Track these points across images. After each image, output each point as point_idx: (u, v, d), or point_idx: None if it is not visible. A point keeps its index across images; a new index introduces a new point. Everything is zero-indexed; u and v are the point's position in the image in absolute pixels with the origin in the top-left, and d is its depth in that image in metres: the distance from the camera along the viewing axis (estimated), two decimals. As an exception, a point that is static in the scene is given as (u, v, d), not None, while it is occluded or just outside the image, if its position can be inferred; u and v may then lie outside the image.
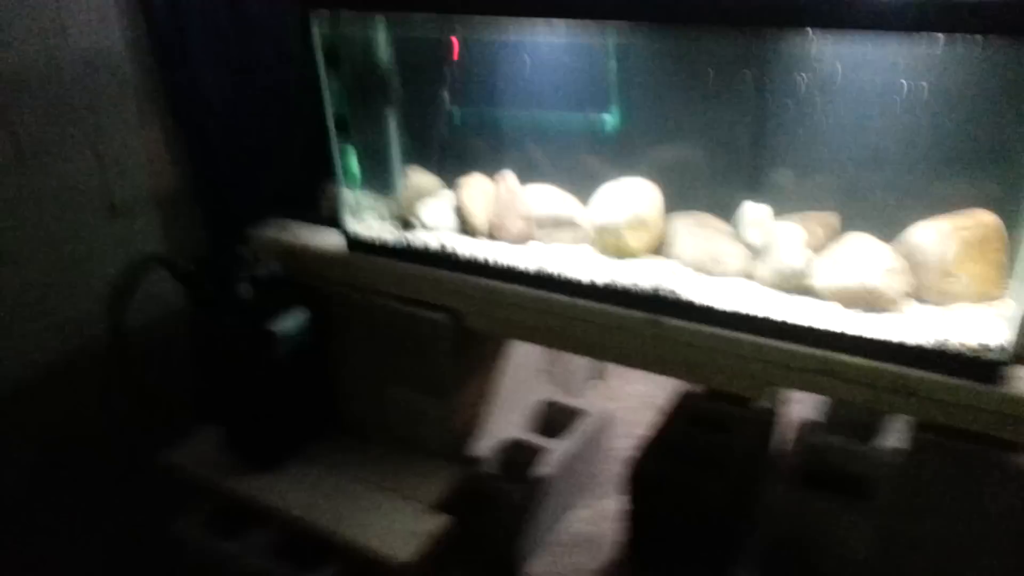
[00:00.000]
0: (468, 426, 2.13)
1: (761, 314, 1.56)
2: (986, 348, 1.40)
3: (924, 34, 1.35)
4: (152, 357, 2.32)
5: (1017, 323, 1.37)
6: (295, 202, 2.28)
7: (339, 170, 1.98)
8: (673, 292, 1.65)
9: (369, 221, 2.05)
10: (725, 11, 1.41)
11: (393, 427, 2.12)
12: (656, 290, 1.66)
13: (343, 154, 1.97)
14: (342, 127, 1.94)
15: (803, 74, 1.57)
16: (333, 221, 2.08)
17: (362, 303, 2.01)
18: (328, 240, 2.07)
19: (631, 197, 1.77)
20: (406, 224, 1.98)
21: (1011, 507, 1.42)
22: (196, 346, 2.22)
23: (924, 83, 1.47)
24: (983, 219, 1.52)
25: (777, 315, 1.55)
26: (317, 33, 1.83)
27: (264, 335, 1.92)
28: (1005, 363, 1.38)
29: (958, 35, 1.30)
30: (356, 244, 2.01)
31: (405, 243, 1.93)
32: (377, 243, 1.97)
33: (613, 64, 1.80)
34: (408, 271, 1.92)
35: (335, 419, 2.20)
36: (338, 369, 2.15)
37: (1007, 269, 1.53)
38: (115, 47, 2.12)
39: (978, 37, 1.32)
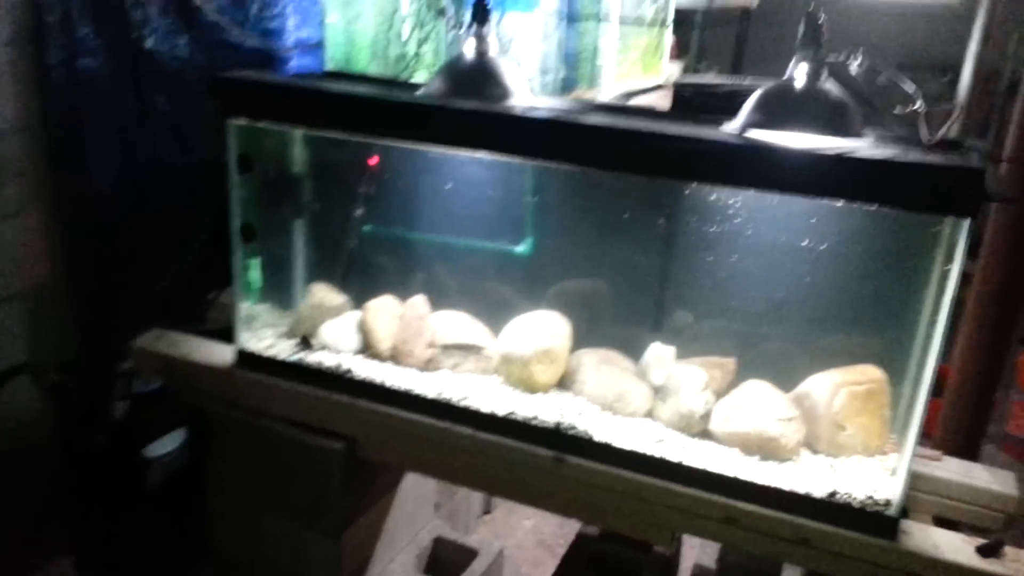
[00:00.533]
0: (357, 566, 1.98)
1: (664, 457, 1.57)
2: (874, 502, 1.45)
3: (822, 202, 1.47)
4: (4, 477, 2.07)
5: (902, 477, 1.43)
6: (182, 311, 2.16)
7: (238, 280, 1.89)
8: (576, 429, 1.64)
9: (264, 336, 1.96)
10: (636, 160, 1.48)
11: (273, 566, 1.95)
12: (560, 426, 1.65)
13: (245, 264, 1.90)
14: (247, 235, 1.87)
15: (712, 225, 1.66)
16: (222, 334, 1.97)
17: (247, 425, 1.88)
18: (216, 354, 1.95)
19: (541, 330, 1.77)
20: (304, 342, 1.90)
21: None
22: (59, 468, 2.00)
23: (822, 243, 1.58)
24: (871, 374, 1.61)
25: (679, 459, 1.56)
26: (233, 139, 1.80)
27: (138, 461, 1.75)
28: (894, 517, 1.43)
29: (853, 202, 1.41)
30: (247, 360, 1.90)
31: (300, 363, 1.85)
32: (270, 361, 1.87)
33: (531, 196, 1.85)
34: (301, 392, 1.82)
35: (209, 554, 2.01)
36: (216, 498, 1.98)
37: (891, 423, 1.62)
38: (2, 126, 2.00)
39: (867, 208, 1.45)
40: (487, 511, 2.78)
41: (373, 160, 1.90)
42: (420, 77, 2.07)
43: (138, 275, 2.20)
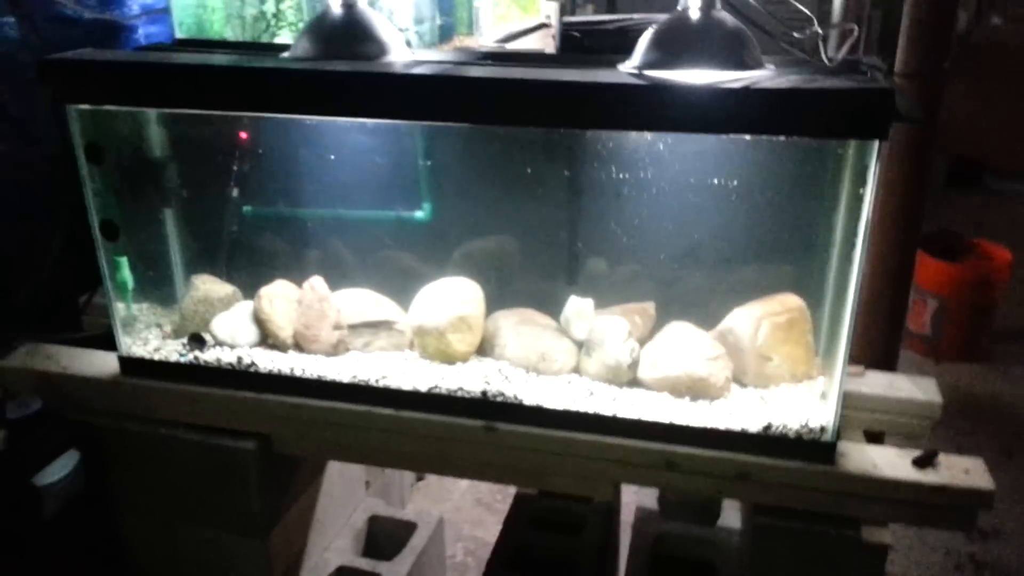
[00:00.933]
0: (288, 562, 1.88)
1: (595, 411, 1.53)
2: (809, 429, 1.45)
3: (727, 137, 1.42)
4: None
5: (833, 401, 1.43)
6: (51, 320, 1.95)
7: (108, 281, 1.71)
8: (504, 394, 1.57)
9: (149, 339, 1.79)
10: (534, 112, 1.38)
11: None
12: (487, 394, 1.57)
13: (113, 262, 1.71)
14: (110, 232, 1.68)
15: (617, 171, 1.59)
16: (101, 340, 1.79)
17: (146, 436, 1.73)
18: (97, 364, 1.77)
19: (452, 297, 1.68)
20: (196, 340, 1.74)
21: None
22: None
23: (730, 178, 1.53)
24: (790, 302, 1.60)
25: (611, 411, 1.53)
26: (77, 127, 1.59)
27: (27, 493, 1.58)
28: (830, 442, 1.43)
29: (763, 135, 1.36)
30: (132, 367, 1.73)
31: (195, 362, 1.70)
32: (159, 364, 1.72)
33: (423, 159, 1.72)
34: (201, 395, 1.68)
35: (126, 574, 1.87)
36: (128, 516, 1.83)
37: (815, 348, 1.62)
38: None
39: (774, 138, 1.41)
40: (421, 478, 2.72)
41: (243, 135, 1.72)
42: (284, 38, 1.88)
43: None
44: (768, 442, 1.45)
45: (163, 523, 1.82)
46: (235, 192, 1.78)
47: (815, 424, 1.45)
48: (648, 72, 1.35)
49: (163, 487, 1.78)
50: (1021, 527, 2.57)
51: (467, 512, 2.60)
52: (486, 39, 2.62)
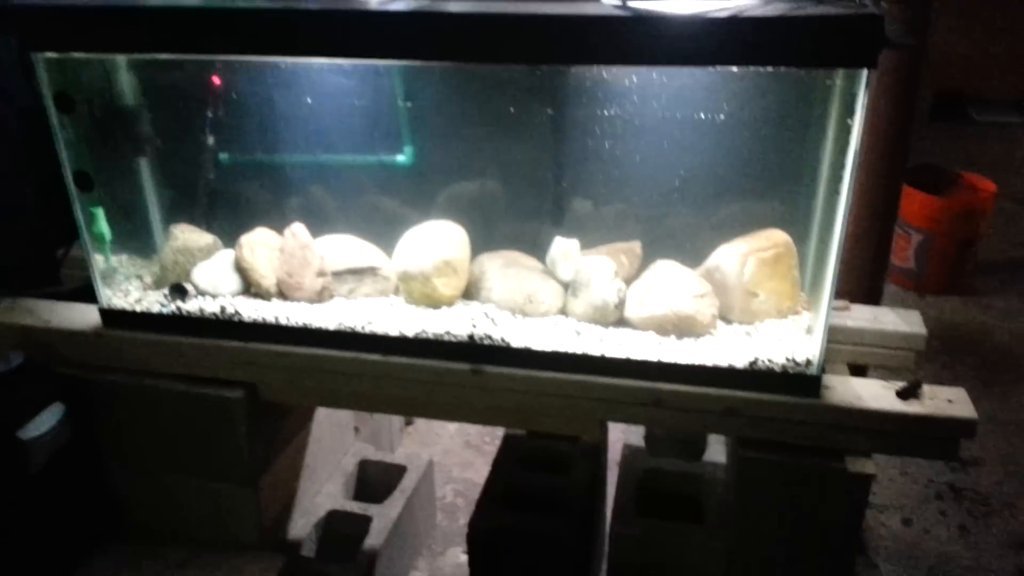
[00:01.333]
0: (279, 508, 1.90)
1: (583, 351, 1.53)
2: (795, 363, 1.45)
3: (714, 70, 1.39)
4: None
5: (819, 335, 1.44)
6: (30, 273, 1.92)
7: (85, 233, 1.68)
8: (491, 337, 1.56)
9: (129, 291, 1.76)
10: (517, 49, 1.34)
11: (191, 524, 1.84)
12: (474, 337, 1.57)
13: (89, 214, 1.68)
14: (84, 183, 1.64)
15: (601, 108, 1.55)
16: (82, 293, 1.77)
17: (132, 388, 1.72)
18: (79, 317, 1.75)
19: (437, 241, 1.66)
20: (177, 290, 1.72)
21: (840, 514, 1.48)
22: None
23: (715, 112, 1.51)
24: (776, 238, 1.59)
25: (598, 351, 1.53)
26: (44, 76, 1.54)
27: (13, 446, 1.57)
28: (815, 376, 1.44)
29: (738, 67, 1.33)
30: (114, 319, 1.71)
31: (177, 313, 1.68)
32: (141, 316, 1.70)
33: (403, 101, 1.68)
34: (185, 345, 1.67)
35: (118, 526, 1.87)
36: (118, 466, 1.83)
37: (800, 283, 1.62)
38: None
39: (761, 70, 1.37)
40: (409, 422, 2.73)
41: (216, 80, 1.67)
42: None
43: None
44: (754, 377, 1.46)
45: (152, 473, 1.83)
46: (211, 139, 1.74)
47: (800, 358, 1.45)
48: (632, 3, 1.31)
49: (151, 438, 1.78)
50: (999, 455, 2.63)
51: (456, 454, 2.62)
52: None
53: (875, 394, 1.43)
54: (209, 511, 1.82)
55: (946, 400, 1.41)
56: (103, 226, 1.71)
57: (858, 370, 1.64)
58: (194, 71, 1.71)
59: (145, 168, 1.79)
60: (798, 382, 1.45)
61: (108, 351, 1.72)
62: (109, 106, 1.68)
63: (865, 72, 1.23)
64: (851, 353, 1.63)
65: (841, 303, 1.68)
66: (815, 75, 1.45)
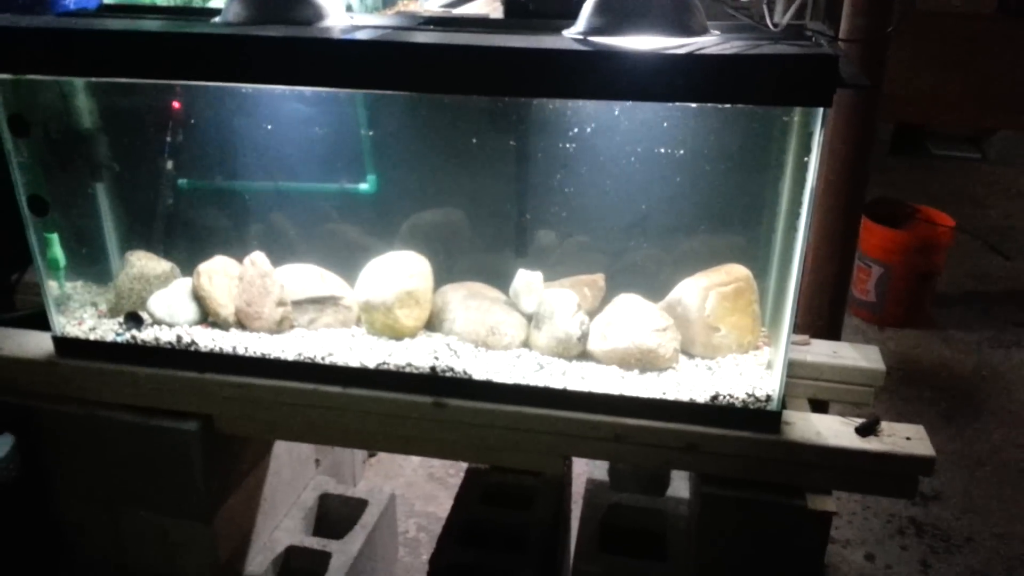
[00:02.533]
0: (236, 544, 1.85)
1: (545, 385, 1.52)
2: (756, 399, 1.45)
3: (674, 105, 1.40)
4: None
5: (779, 370, 1.44)
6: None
7: (39, 259, 1.64)
8: (453, 370, 1.55)
9: (84, 318, 1.72)
10: (480, 80, 1.34)
11: (144, 560, 1.78)
12: (436, 369, 1.55)
13: (43, 239, 1.64)
14: (39, 207, 1.61)
15: (564, 141, 1.56)
16: (34, 320, 1.72)
17: (84, 419, 1.67)
18: (31, 344, 1.71)
19: (400, 271, 1.64)
20: (132, 318, 1.68)
21: (801, 551, 1.48)
22: None
23: (676, 147, 1.52)
24: (736, 272, 1.60)
25: (561, 384, 1.52)
26: (-1, 98, 1.51)
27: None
28: (775, 411, 1.44)
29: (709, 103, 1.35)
30: (68, 347, 1.67)
31: (132, 342, 1.64)
32: (96, 344, 1.65)
33: (366, 129, 1.67)
34: (140, 375, 1.63)
35: (68, 561, 1.81)
36: (68, 501, 1.78)
37: (761, 318, 1.63)
38: None
39: (720, 107, 1.39)
40: (372, 454, 2.69)
41: (176, 105, 1.65)
42: (214, 2, 1.80)
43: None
44: (715, 412, 1.46)
45: (105, 507, 1.77)
46: (169, 165, 1.72)
47: (761, 394, 1.45)
48: (593, 38, 1.33)
49: (103, 470, 1.73)
50: (961, 490, 2.65)
51: (420, 487, 2.58)
52: (431, 3, 2.55)
53: (834, 431, 1.44)
54: (163, 546, 1.77)
55: (904, 437, 1.42)
56: (58, 252, 1.68)
57: (819, 405, 1.64)
58: (153, 95, 1.69)
59: (102, 193, 1.75)
60: (759, 418, 1.45)
61: (61, 380, 1.67)
62: (65, 129, 1.65)
63: (821, 110, 1.25)
64: (812, 388, 1.64)
65: (801, 338, 1.70)
66: (773, 111, 1.47)
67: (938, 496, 2.62)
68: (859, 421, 1.43)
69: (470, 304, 1.65)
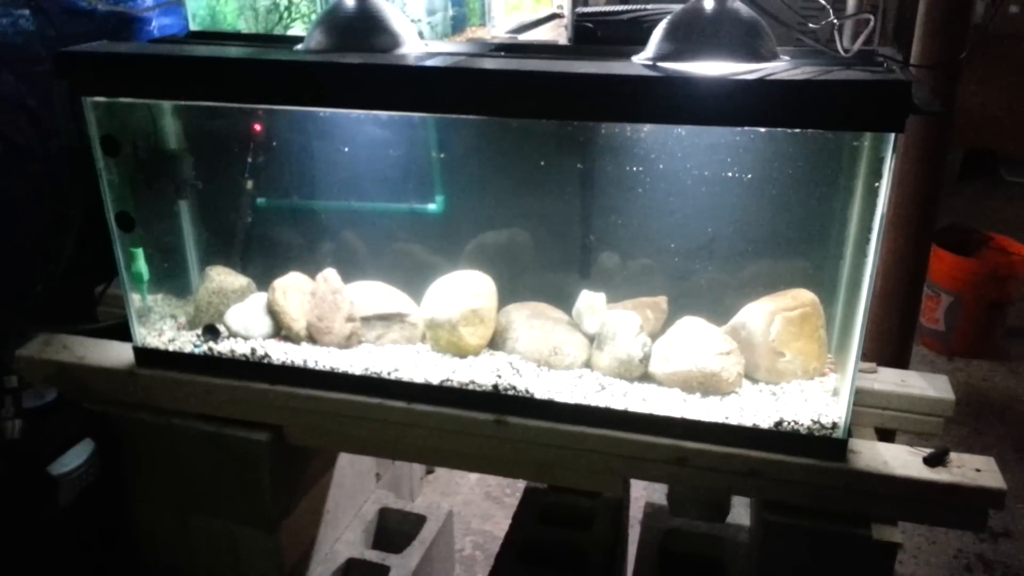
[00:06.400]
0: (299, 554, 1.89)
1: (606, 405, 1.53)
2: (821, 426, 1.44)
3: (742, 129, 1.41)
4: None
5: (845, 398, 1.43)
6: (67, 310, 1.96)
7: (124, 272, 1.72)
8: (515, 388, 1.57)
9: (164, 330, 1.80)
10: (550, 105, 1.38)
11: (211, 566, 1.84)
12: (498, 387, 1.58)
13: (128, 253, 1.72)
14: (125, 225, 1.69)
15: (631, 163, 1.58)
16: (117, 331, 1.81)
17: (160, 427, 1.74)
18: (112, 354, 1.78)
19: (465, 290, 1.68)
20: (210, 331, 1.75)
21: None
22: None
23: (744, 170, 1.53)
24: (802, 297, 1.59)
25: (622, 405, 1.52)
26: (92, 119, 1.60)
27: (43, 482, 1.60)
28: (841, 439, 1.42)
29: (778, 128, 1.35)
30: (147, 358, 1.74)
31: (209, 353, 1.71)
32: (174, 355, 1.73)
33: (436, 151, 1.72)
34: (215, 386, 1.69)
35: (139, 565, 1.88)
36: (142, 505, 1.85)
37: (827, 344, 1.61)
38: None
39: (790, 131, 1.40)
40: (430, 471, 2.72)
41: (257, 127, 1.73)
42: (297, 30, 1.88)
43: (10, 277, 1.98)
44: (779, 438, 1.45)
45: (176, 513, 1.84)
46: (249, 184, 1.79)
47: (827, 421, 1.44)
48: (662, 64, 1.35)
49: (176, 477, 1.80)
50: (1033, 526, 2.56)
51: (476, 506, 2.61)
52: (498, 30, 2.60)
53: (902, 460, 1.41)
54: (230, 554, 1.82)
55: (974, 469, 1.39)
56: (141, 266, 1.76)
57: (885, 435, 1.61)
58: (235, 117, 1.76)
59: (184, 210, 1.84)
60: (824, 445, 1.43)
61: (139, 389, 1.75)
62: (152, 149, 1.74)
63: (893, 136, 1.25)
64: (878, 417, 1.61)
65: (868, 366, 1.67)
66: (843, 136, 1.47)
67: (1008, 533, 2.53)
68: (927, 451, 1.41)
69: (533, 324, 1.68)
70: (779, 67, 1.30)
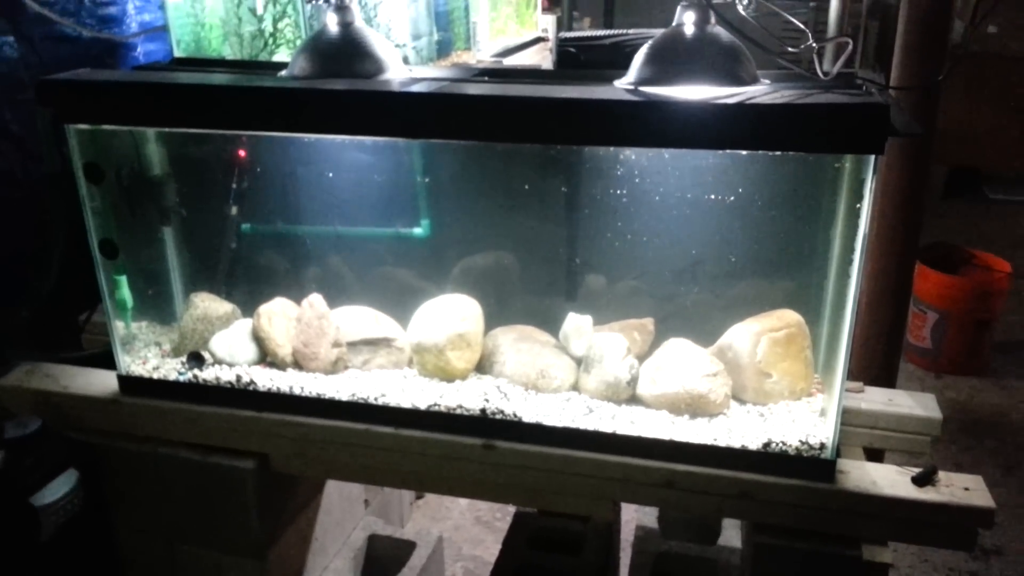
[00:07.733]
0: (285, 583, 1.87)
1: (595, 429, 1.52)
2: (809, 446, 1.44)
3: (725, 152, 1.42)
4: None
5: (833, 418, 1.43)
6: (51, 338, 1.95)
7: (108, 300, 1.71)
8: (503, 412, 1.56)
9: (148, 358, 1.79)
10: (533, 129, 1.38)
11: (195, 597, 1.81)
12: (486, 411, 1.57)
13: (112, 281, 1.71)
14: (108, 252, 1.68)
15: (614, 187, 1.59)
16: (101, 359, 1.79)
17: (145, 456, 1.73)
18: (97, 383, 1.77)
19: (451, 314, 1.67)
20: (195, 358, 1.74)
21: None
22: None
23: (727, 193, 1.53)
24: (788, 318, 1.59)
25: (610, 428, 1.52)
26: (76, 146, 1.59)
27: (26, 513, 1.57)
28: (830, 459, 1.42)
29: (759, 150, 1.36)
30: (132, 386, 1.73)
31: (194, 381, 1.69)
32: (159, 383, 1.71)
33: (421, 176, 1.72)
34: (200, 414, 1.68)
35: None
36: (127, 535, 1.83)
37: (814, 364, 1.61)
38: None
39: (771, 153, 1.41)
40: (420, 496, 2.70)
41: (241, 153, 1.73)
42: (282, 56, 1.89)
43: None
44: (768, 460, 1.45)
45: (161, 542, 1.81)
46: (234, 210, 1.79)
47: (815, 441, 1.44)
48: (644, 88, 1.36)
49: (161, 506, 1.78)
50: (1021, 544, 2.55)
51: (467, 531, 2.59)
52: (483, 54, 2.62)
53: (891, 480, 1.41)
54: (215, 583, 1.80)
55: (963, 488, 1.39)
56: (125, 293, 1.75)
57: (874, 454, 1.61)
58: (219, 144, 1.76)
59: (168, 237, 1.83)
60: (813, 466, 1.43)
61: (124, 418, 1.73)
62: (136, 176, 1.73)
63: (873, 157, 1.26)
64: (866, 436, 1.61)
65: (855, 385, 1.67)
66: (825, 158, 1.48)
67: (999, 551, 2.53)
68: (916, 471, 1.41)
69: (520, 347, 1.67)
70: (759, 91, 1.31)
